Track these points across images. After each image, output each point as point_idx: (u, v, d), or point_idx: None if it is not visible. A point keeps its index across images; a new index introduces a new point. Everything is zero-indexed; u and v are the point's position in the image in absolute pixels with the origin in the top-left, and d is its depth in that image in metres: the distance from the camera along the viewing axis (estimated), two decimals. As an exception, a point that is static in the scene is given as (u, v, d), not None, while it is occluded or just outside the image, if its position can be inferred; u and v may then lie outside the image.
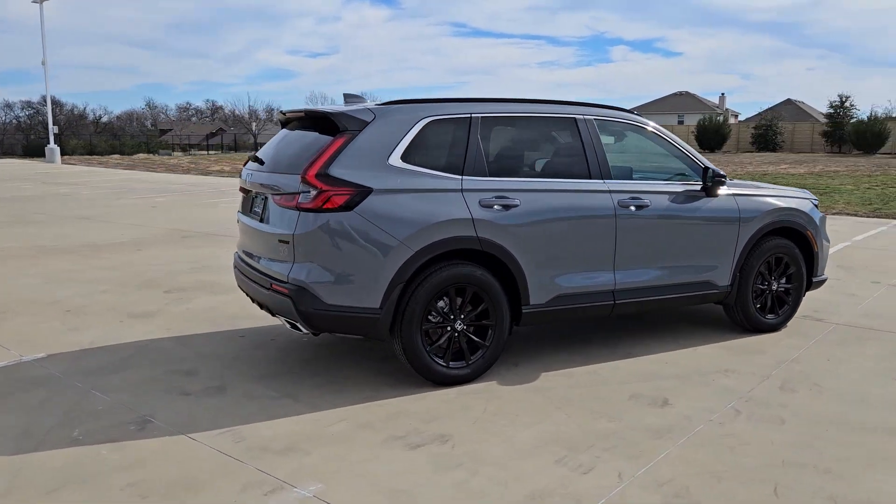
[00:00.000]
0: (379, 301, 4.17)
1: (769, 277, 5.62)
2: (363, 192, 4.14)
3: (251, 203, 4.82)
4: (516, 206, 4.50)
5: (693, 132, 53.09)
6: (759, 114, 65.88)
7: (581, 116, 4.94)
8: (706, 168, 5.26)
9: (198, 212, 14.37)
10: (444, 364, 4.40)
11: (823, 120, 55.61)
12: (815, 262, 5.83)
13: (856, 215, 13.59)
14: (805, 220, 5.69)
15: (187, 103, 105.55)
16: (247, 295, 4.95)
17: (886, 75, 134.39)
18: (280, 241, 4.27)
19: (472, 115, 4.57)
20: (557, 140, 4.95)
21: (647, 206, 4.96)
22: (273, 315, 4.52)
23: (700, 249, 5.24)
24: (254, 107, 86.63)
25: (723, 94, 79.02)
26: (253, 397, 4.27)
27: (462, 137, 4.51)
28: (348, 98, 4.87)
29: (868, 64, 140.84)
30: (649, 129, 5.31)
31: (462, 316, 4.43)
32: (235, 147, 65.06)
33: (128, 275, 7.75)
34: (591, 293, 4.83)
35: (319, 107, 4.62)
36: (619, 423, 3.92)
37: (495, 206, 4.44)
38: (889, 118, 49.82)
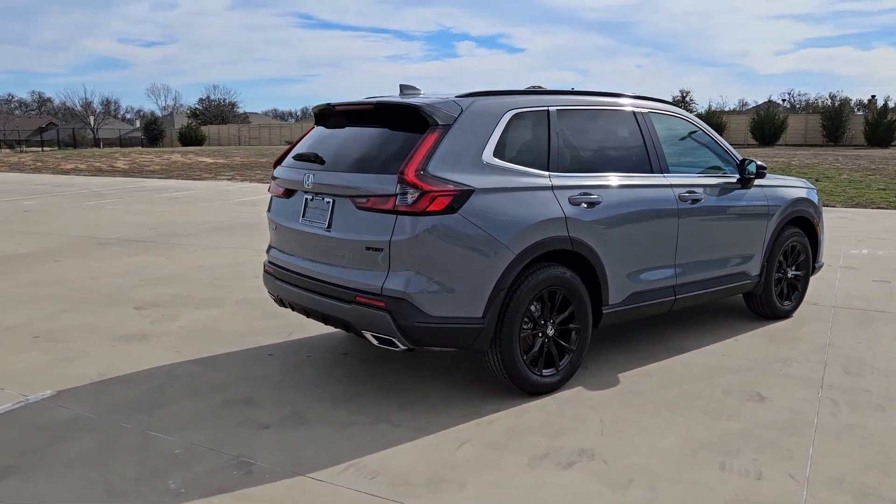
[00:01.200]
0: (482, 309, 3.85)
1: (785, 265, 5.81)
2: (466, 191, 3.79)
3: (304, 206, 4.29)
4: (599, 202, 4.32)
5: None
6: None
7: (638, 109, 4.84)
8: (742, 160, 5.32)
9: (89, 215, 12.97)
10: (538, 373, 4.15)
11: (666, 113, 59.57)
12: (818, 249, 6.10)
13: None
14: (813, 209, 5.93)
15: (9, 95, 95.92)
16: (293, 308, 4.43)
17: (704, 73, 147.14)
18: (368, 248, 3.82)
19: (550, 108, 4.34)
20: (621, 133, 4.81)
21: (701, 199, 4.95)
22: (349, 331, 4.06)
23: (740, 241, 5.31)
24: (90, 99, 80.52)
25: (573, 88, 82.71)
26: (344, 425, 3.80)
27: (544, 131, 4.27)
28: (405, 89, 4.45)
29: (690, 63, 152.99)
30: (691, 121, 5.31)
31: (551, 320, 4.20)
32: (74, 143, 59.79)
33: (73, 291, 6.79)
34: (658, 289, 4.75)
35: (396, 98, 4.17)
36: (741, 421, 3.86)
37: (582, 204, 4.23)
38: (723, 111, 54.29)
